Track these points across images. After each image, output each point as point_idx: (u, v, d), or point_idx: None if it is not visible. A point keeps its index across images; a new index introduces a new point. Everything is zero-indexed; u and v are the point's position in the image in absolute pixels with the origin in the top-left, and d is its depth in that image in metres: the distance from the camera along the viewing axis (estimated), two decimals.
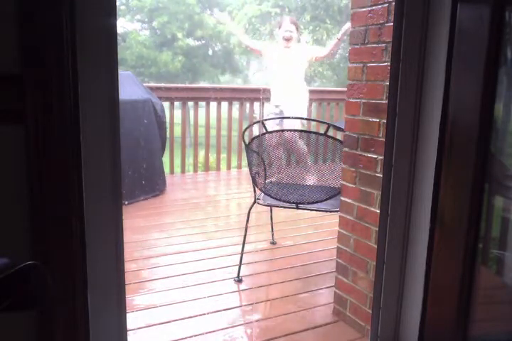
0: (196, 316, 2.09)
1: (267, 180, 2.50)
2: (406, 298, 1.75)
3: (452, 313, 1.54)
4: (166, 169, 4.56)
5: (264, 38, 15.57)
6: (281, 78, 4.28)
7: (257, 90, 5.44)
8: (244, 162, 4.66)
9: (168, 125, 4.41)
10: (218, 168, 5.25)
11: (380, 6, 1.73)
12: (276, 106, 4.25)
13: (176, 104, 4.88)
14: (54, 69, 1.08)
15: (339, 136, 2.51)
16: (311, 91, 5.21)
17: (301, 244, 3.02)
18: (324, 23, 14.96)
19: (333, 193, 2.32)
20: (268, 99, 4.41)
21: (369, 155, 1.82)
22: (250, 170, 2.54)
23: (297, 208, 2.44)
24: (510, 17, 1.39)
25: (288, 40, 4.18)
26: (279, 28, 4.23)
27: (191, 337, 1.92)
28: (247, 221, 2.48)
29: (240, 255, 2.50)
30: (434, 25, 1.56)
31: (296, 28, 4.20)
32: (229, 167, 5.27)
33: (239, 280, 2.45)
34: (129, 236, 2.93)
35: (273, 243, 3.03)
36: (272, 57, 4.34)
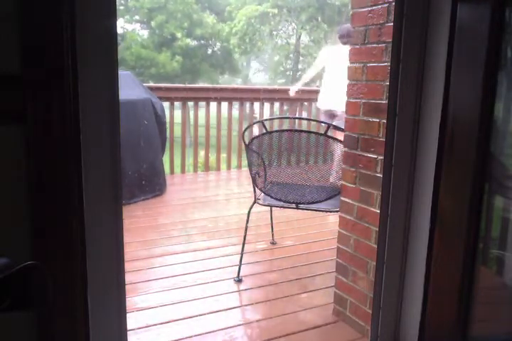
0: (196, 316, 2.09)
1: (267, 180, 2.50)
2: (406, 298, 1.75)
3: (452, 313, 1.54)
4: (166, 169, 4.56)
5: (264, 38, 15.57)
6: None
7: (257, 90, 5.44)
8: (244, 162, 4.65)
9: (168, 125, 4.41)
10: (218, 168, 5.25)
11: (380, 6, 1.73)
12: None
13: (176, 104, 4.88)
14: (54, 69, 1.08)
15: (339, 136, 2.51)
16: (311, 92, 5.22)
17: (301, 244, 3.02)
18: (322, 23, 14.97)
19: (333, 193, 2.32)
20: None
21: (369, 155, 1.82)
22: (250, 170, 2.54)
23: (297, 208, 2.44)
24: (510, 17, 1.39)
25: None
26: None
27: (191, 337, 1.92)
28: (247, 221, 2.48)
29: (239, 255, 2.50)
30: (434, 25, 1.56)
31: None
32: (229, 167, 5.27)
33: (239, 280, 2.45)
34: (129, 237, 2.93)
35: (273, 243, 3.03)
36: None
